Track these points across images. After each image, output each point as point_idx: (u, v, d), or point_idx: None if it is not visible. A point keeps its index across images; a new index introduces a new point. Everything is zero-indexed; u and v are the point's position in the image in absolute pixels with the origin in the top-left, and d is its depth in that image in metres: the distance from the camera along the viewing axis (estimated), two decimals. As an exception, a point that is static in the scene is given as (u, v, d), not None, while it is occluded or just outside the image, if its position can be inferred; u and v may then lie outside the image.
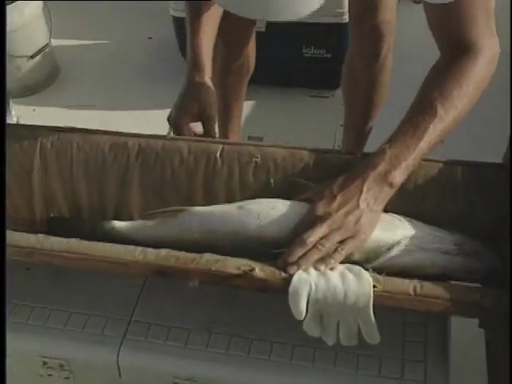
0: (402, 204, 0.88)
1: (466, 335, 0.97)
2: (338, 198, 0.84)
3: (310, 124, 2.01)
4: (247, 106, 2.06)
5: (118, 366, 0.90)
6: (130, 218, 0.97)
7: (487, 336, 0.92)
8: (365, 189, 0.84)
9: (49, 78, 2.30)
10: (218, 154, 0.96)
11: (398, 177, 0.85)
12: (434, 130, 0.85)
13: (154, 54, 2.40)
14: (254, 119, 2.03)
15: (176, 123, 1.09)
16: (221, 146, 0.96)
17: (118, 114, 2.12)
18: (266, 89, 2.09)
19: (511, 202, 0.84)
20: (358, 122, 1.56)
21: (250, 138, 1.96)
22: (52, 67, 2.33)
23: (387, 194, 0.85)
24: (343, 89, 1.59)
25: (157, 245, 0.88)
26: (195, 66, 1.12)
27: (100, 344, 0.91)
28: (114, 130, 1.02)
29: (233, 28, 1.42)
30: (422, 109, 0.87)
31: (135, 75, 2.28)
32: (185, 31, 1.89)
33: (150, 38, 2.51)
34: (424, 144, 0.85)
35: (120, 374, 0.91)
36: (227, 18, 1.41)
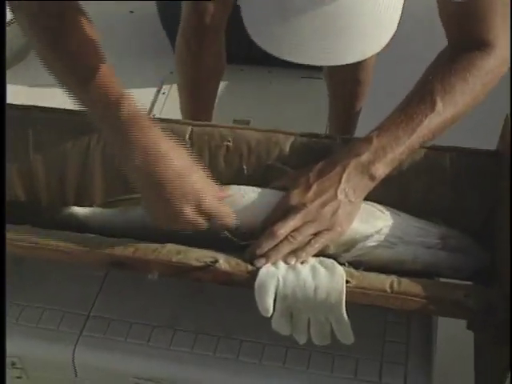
0: (384, 193, 0.87)
1: (453, 336, 0.96)
2: (314, 187, 0.83)
3: (300, 107, 1.98)
4: (233, 87, 2.03)
5: (74, 364, 0.90)
6: (92, 204, 0.97)
7: (476, 337, 0.91)
8: (344, 178, 0.83)
9: (18, 54, 2.27)
10: (187, 136, 0.95)
11: (381, 169, 0.84)
12: (429, 125, 0.84)
13: (135, 29, 2.38)
14: (240, 101, 2.00)
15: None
16: (190, 128, 0.96)
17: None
18: (254, 69, 2.06)
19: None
20: (344, 105, 1.55)
21: (235, 121, 1.93)
22: (22, 42, 2.30)
23: (367, 185, 0.84)
24: (325, 75, 1.57)
25: (118, 234, 0.87)
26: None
27: (55, 341, 0.90)
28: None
29: (199, 28, 1.37)
30: (419, 99, 0.85)
31: (115, 51, 2.25)
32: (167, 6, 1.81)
33: (131, 12, 2.49)
34: (415, 139, 0.84)
35: (76, 373, 0.91)
36: (189, 18, 1.38)
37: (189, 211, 0.79)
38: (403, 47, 1.86)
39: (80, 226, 0.93)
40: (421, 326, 0.89)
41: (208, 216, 0.81)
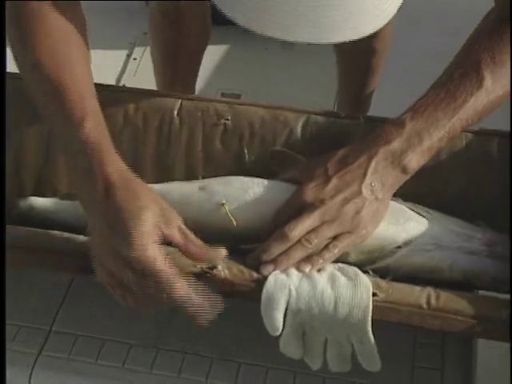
0: (417, 187, 0.87)
1: (497, 360, 0.96)
2: (334, 181, 0.82)
3: (302, 79, 1.99)
4: (221, 54, 2.03)
5: (31, 391, 0.89)
6: (55, 194, 0.96)
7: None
8: (370, 170, 0.83)
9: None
10: (176, 112, 0.95)
11: (416, 160, 0.83)
12: (475, 105, 0.84)
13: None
14: (229, 71, 2.00)
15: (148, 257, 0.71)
16: (179, 102, 0.95)
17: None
18: (246, 32, 2.05)
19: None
20: (356, 79, 1.57)
21: (223, 95, 1.95)
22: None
23: (398, 179, 0.84)
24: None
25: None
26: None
27: (7, 362, 0.86)
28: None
29: None
30: (463, 73, 0.85)
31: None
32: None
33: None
34: (458, 122, 0.84)
35: (34, 401, 0.90)
36: None
37: (128, 271, 0.71)
38: (426, 10, 1.86)
39: (41, 220, 0.92)
40: (458, 347, 0.88)
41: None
